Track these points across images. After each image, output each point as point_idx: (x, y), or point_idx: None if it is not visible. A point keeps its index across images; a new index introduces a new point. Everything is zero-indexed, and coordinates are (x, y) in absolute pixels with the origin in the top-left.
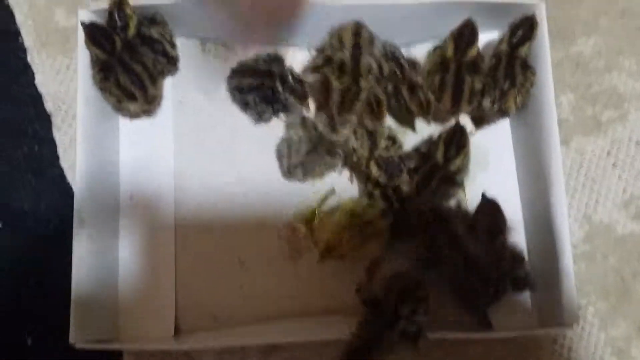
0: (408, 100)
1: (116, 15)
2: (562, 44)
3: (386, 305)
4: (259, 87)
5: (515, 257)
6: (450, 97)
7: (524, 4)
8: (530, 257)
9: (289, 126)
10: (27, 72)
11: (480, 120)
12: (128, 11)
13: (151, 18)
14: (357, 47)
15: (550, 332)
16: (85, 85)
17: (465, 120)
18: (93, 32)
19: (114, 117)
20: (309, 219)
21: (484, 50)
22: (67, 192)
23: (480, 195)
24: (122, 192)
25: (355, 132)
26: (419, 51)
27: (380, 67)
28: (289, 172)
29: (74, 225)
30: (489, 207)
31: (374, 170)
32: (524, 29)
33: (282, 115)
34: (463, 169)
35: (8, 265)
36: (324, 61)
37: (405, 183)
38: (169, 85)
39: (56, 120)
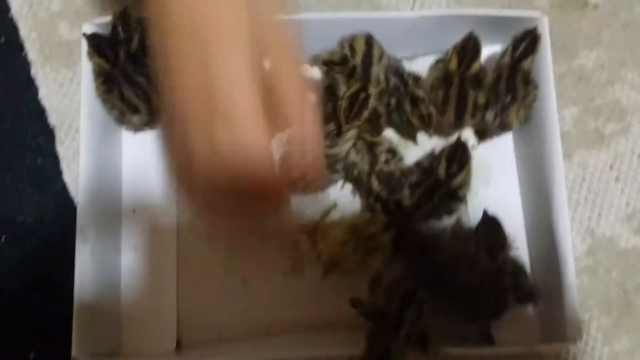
0: (410, 114)
1: (120, 28)
2: (565, 57)
3: (390, 314)
4: None
5: (517, 271)
6: (454, 111)
7: (526, 17)
8: (533, 271)
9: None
10: (30, 86)
11: (483, 134)
12: (132, 23)
13: None
14: (368, 56)
15: (554, 348)
16: (89, 99)
17: (468, 133)
18: (96, 43)
19: (117, 130)
20: (312, 233)
21: (486, 64)
22: (70, 205)
23: (482, 211)
24: (125, 206)
25: (355, 146)
26: (421, 65)
27: (387, 81)
28: None
29: (77, 239)
30: (490, 224)
31: (375, 184)
32: (526, 42)
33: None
34: (465, 184)
35: (10, 279)
36: (340, 59)
37: (406, 198)
38: None
39: (59, 134)
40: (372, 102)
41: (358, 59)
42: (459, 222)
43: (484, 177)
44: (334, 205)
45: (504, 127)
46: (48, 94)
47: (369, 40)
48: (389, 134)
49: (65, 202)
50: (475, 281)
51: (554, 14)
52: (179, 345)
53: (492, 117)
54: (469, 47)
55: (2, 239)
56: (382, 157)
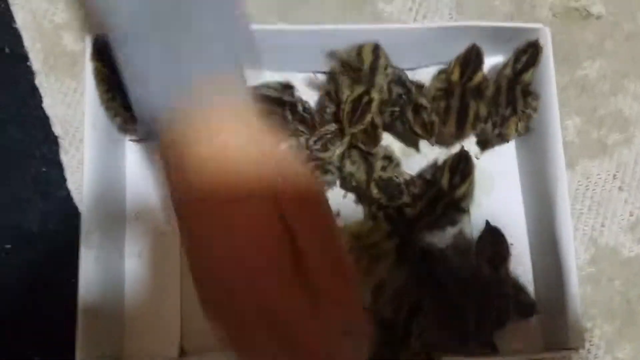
0: (412, 122)
1: None
2: (568, 68)
3: (396, 325)
4: (269, 115)
5: (518, 284)
6: (455, 121)
7: (528, 29)
8: (536, 281)
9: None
10: (35, 95)
11: (485, 144)
12: None
13: None
14: (374, 65)
15: (557, 356)
16: (93, 109)
17: (470, 144)
18: (99, 46)
19: (121, 139)
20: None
21: (488, 75)
22: (74, 213)
23: (485, 221)
24: (128, 213)
25: (350, 156)
26: (423, 76)
27: (389, 91)
28: None
29: (81, 246)
30: (492, 235)
31: (375, 192)
32: (528, 54)
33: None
34: (468, 195)
35: (15, 285)
36: (340, 66)
37: (409, 207)
38: None
39: (64, 143)
40: (375, 107)
41: (366, 66)
42: (461, 233)
43: (486, 187)
44: (337, 214)
45: (503, 138)
46: (52, 104)
47: (376, 50)
48: (385, 140)
49: (69, 210)
50: (478, 292)
51: (557, 25)
52: (182, 350)
53: (491, 127)
54: (471, 58)
55: (7, 246)
56: (379, 164)
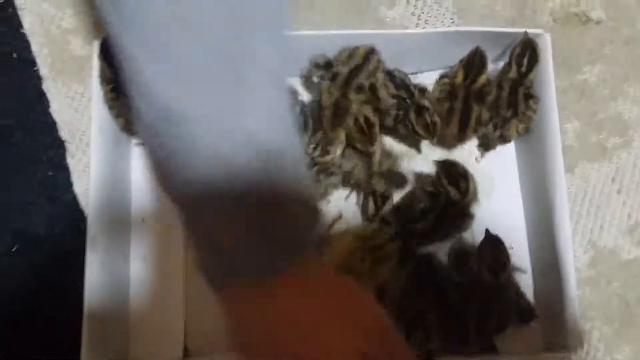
0: (414, 122)
1: None
2: (568, 72)
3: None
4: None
5: (519, 290)
6: (458, 124)
7: (529, 34)
8: (535, 282)
9: None
10: (42, 100)
11: (486, 146)
12: None
13: None
14: (358, 68)
15: (555, 357)
16: (99, 113)
17: (471, 146)
18: (108, 49)
19: (127, 143)
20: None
21: (490, 79)
22: (80, 217)
23: (485, 230)
24: (134, 217)
25: (346, 155)
26: (425, 80)
27: (372, 88)
28: None
29: (87, 249)
30: (492, 243)
31: (379, 185)
32: (528, 56)
33: None
34: (474, 198)
35: (22, 288)
36: (324, 63)
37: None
38: None
39: (70, 147)
40: (355, 107)
41: (346, 68)
42: (462, 239)
43: (487, 189)
44: (339, 217)
45: (503, 140)
46: (59, 109)
47: (368, 55)
48: (387, 143)
49: (75, 213)
50: (478, 298)
51: (557, 30)
52: (186, 353)
53: (492, 129)
54: (475, 61)
55: (14, 249)
56: (376, 159)
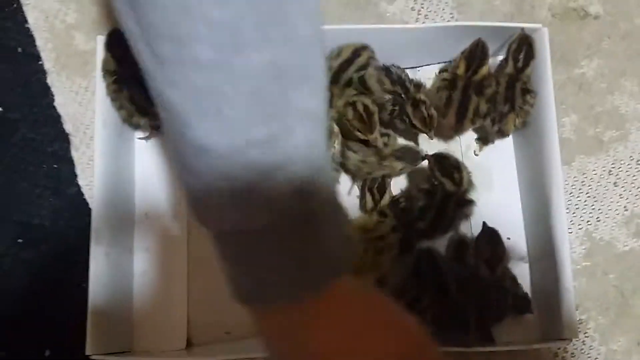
0: (411, 116)
1: None
2: (566, 67)
3: None
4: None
5: (516, 281)
6: (455, 114)
7: (527, 29)
8: (532, 274)
9: None
10: (47, 94)
11: (485, 140)
12: None
13: None
14: (348, 62)
15: (551, 346)
16: (103, 107)
17: (470, 141)
18: (112, 38)
19: (130, 137)
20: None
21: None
22: (84, 209)
23: (482, 223)
24: (138, 210)
25: (350, 148)
26: (425, 74)
27: (362, 80)
28: None
29: (91, 242)
30: (489, 236)
31: (397, 164)
32: (524, 51)
33: None
34: (470, 186)
35: (27, 280)
36: None
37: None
38: None
39: (75, 141)
40: (340, 103)
41: (335, 63)
42: (460, 232)
43: (485, 182)
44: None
45: (501, 134)
46: (63, 102)
47: (357, 51)
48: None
49: (79, 205)
50: (477, 290)
51: (555, 25)
52: (189, 344)
53: (491, 124)
54: (476, 53)
55: (20, 241)
56: (380, 143)
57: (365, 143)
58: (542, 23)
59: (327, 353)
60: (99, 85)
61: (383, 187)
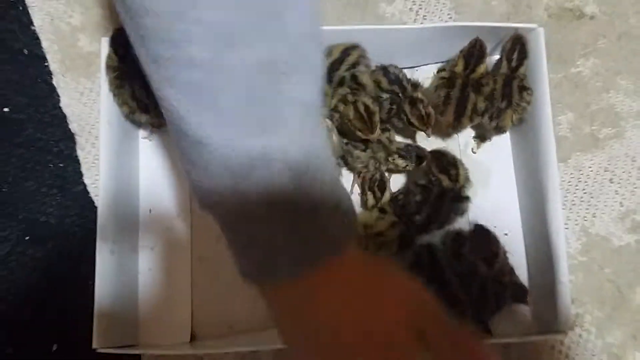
0: (409, 114)
1: None
2: (562, 66)
3: None
4: None
5: (513, 270)
6: (454, 112)
7: (524, 28)
8: (529, 268)
9: None
10: (52, 95)
11: (482, 138)
12: None
13: None
14: (338, 62)
15: (547, 339)
16: (108, 108)
17: (468, 139)
18: (116, 36)
19: (135, 136)
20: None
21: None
22: (90, 206)
23: (480, 217)
24: (142, 207)
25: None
26: (423, 74)
27: (354, 77)
28: None
29: (97, 239)
30: (481, 236)
31: (400, 162)
32: (518, 51)
33: None
34: (467, 183)
35: (35, 276)
36: None
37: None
38: None
39: (80, 140)
40: (333, 102)
41: (327, 62)
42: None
43: (483, 179)
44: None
45: (499, 130)
46: (69, 103)
47: (347, 50)
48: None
49: (85, 203)
50: (475, 284)
51: (552, 25)
52: (193, 338)
53: (488, 120)
54: (474, 51)
55: (27, 238)
56: (384, 139)
57: (366, 143)
58: (538, 23)
59: (336, 323)
60: (104, 86)
61: (383, 185)
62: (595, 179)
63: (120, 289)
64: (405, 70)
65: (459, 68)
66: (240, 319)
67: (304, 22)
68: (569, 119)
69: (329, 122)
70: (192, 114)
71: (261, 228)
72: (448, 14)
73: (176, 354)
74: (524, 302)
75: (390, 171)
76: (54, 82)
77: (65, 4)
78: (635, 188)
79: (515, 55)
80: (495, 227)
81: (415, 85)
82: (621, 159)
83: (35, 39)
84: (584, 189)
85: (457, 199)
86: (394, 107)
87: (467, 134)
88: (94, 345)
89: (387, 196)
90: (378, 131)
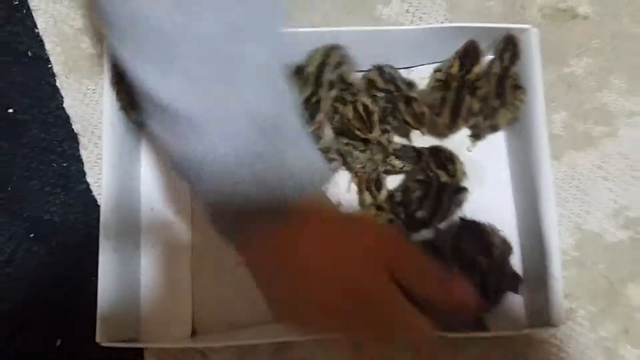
0: (403, 113)
1: None
2: (556, 65)
3: None
4: None
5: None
6: (449, 113)
7: (518, 29)
8: (523, 263)
9: None
10: (56, 96)
11: (477, 136)
12: None
13: None
14: (322, 65)
15: (539, 332)
16: (110, 109)
17: (462, 135)
18: None
19: (137, 136)
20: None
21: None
22: (93, 205)
23: (477, 206)
24: (144, 206)
25: (356, 147)
26: (419, 74)
27: (341, 78)
28: None
29: (100, 237)
30: (471, 230)
31: (397, 163)
32: (510, 51)
33: None
34: (463, 176)
35: (39, 273)
36: (295, 70)
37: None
38: None
39: (83, 140)
40: (326, 105)
41: (312, 67)
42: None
43: (478, 177)
44: (338, 204)
45: (494, 129)
46: (72, 104)
47: (328, 52)
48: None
49: (88, 202)
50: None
51: (546, 25)
52: (193, 332)
53: (483, 119)
54: (469, 53)
55: (31, 236)
56: (383, 140)
57: (366, 142)
58: (532, 23)
59: (311, 265)
60: (106, 87)
61: (380, 184)
62: (589, 177)
63: (123, 285)
64: (400, 71)
65: (455, 69)
66: (241, 315)
67: None
68: (562, 118)
69: (321, 115)
70: (160, 80)
71: (232, 182)
72: (444, 15)
73: (178, 347)
74: (516, 291)
75: (388, 172)
76: (58, 83)
77: (69, 7)
78: (628, 185)
79: (507, 56)
80: (490, 224)
81: (411, 85)
82: (614, 157)
83: (39, 42)
84: (577, 186)
85: (456, 191)
86: (389, 106)
87: (462, 133)
88: (98, 340)
89: (383, 194)
90: (378, 131)
